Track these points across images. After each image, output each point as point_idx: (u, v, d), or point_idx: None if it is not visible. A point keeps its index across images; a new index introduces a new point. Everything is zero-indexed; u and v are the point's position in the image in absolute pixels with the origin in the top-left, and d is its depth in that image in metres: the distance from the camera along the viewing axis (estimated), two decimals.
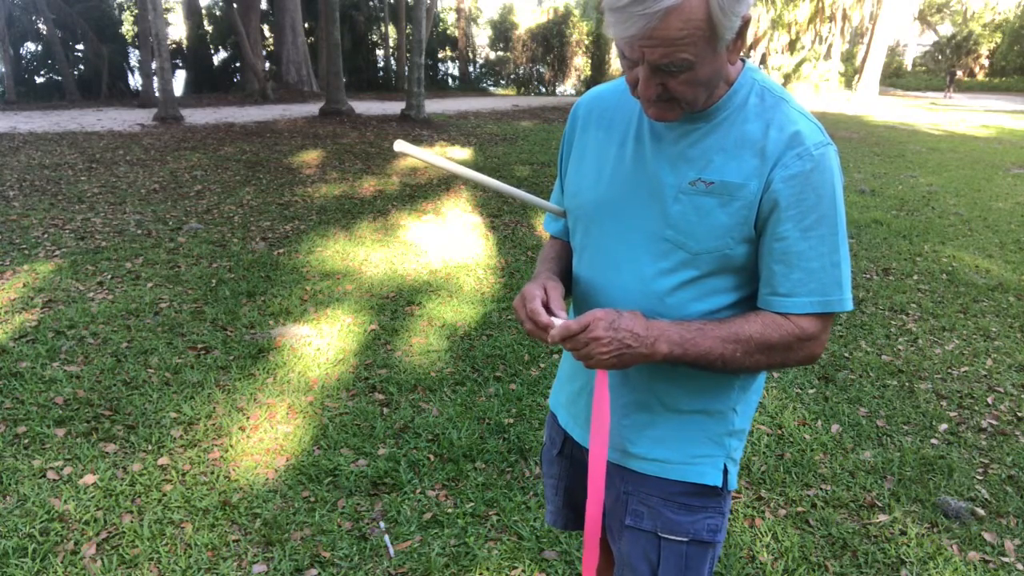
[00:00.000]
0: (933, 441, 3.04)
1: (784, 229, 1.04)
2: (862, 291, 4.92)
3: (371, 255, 5.45)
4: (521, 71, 29.95)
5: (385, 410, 3.16)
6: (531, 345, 3.85)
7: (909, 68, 45.68)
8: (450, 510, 2.48)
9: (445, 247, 5.73)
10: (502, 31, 29.91)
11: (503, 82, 30.81)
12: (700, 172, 1.06)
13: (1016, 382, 3.63)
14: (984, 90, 34.79)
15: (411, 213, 6.81)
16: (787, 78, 27.48)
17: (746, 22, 0.96)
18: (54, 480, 2.55)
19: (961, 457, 2.92)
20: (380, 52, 28.91)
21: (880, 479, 2.75)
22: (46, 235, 5.64)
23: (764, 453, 2.90)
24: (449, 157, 9.49)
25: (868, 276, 5.28)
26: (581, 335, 1.02)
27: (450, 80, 31.41)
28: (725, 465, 1.20)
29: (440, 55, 31.11)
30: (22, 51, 23.57)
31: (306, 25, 22.84)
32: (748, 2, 0.95)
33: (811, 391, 3.45)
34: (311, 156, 9.60)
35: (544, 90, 29.63)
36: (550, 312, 1.08)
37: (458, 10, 30.59)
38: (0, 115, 13.84)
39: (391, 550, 2.27)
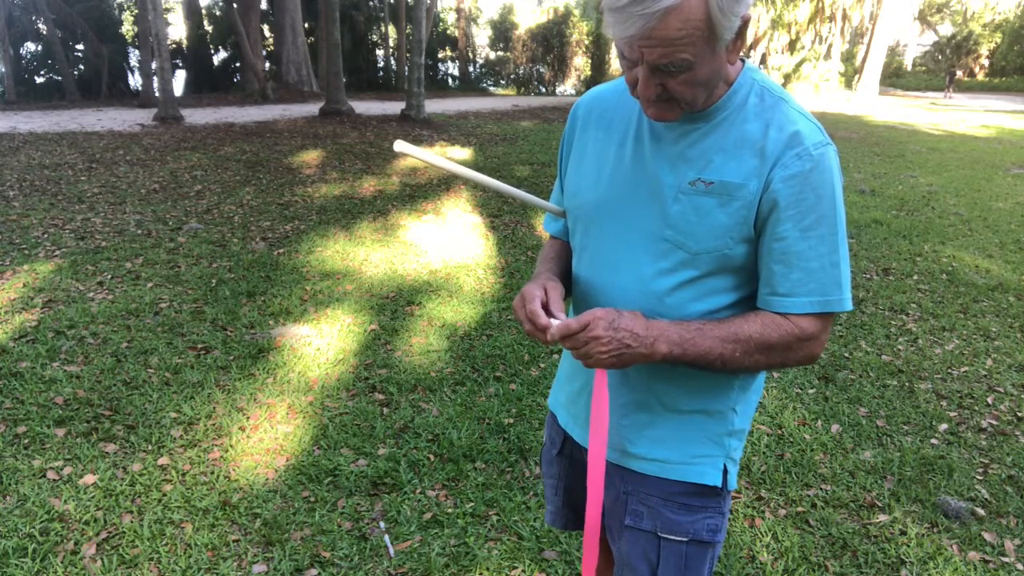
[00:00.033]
0: (933, 441, 3.04)
1: (783, 229, 1.04)
2: (862, 291, 4.92)
3: (371, 255, 5.45)
4: (521, 71, 29.95)
5: (385, 410, 3.16)
6: (531, 345, 3.85)
7: (909, 68, 45.68)
8: (450, 510, 2.48)
9: (445, 247, 5.73)
10: (502, 31, 29.91)
11: (503, 82, 30.82)
12: (700, 172, 1.06)
13: (1016, 382, 3.63)
14: (984, 90, 34.79)
15: (411, 213, 6.81)
16: (787, 78, 27.49)
17: (745, 22, 0.96)
18: (54, 480, 2.56)
19: (961, 457, 2.92)
20: (380, 52, 28.92)
21: (880, 479, 2.75)
22: (46, 235, 5.64)
23: (764, 453, 2.90)
24: (449, 157, 9.49)
25: (868, 276, 5.28)
26: (581, 334, 1.03)
27: (450, 80, 31.42)
28: (725, 465, 1.20)
29: (440, 55, 31.12)
30: (22, 51, 23.58)
31: (306, 25, 22.85)
32: (747, 2, 0.95)
33: (811, 391, 3.45)
34: (311, 156, 9.60)
35: (544, 90, 29.63)
36: (549, 313, 1.08)
37: (458, 10, 30.60)
38: (0, 115, 13.84)
39: (391, 550, 2.27)
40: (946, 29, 45.00)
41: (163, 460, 2.71)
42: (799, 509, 2.55)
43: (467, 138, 11.85)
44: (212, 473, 2.65)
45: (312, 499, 2.52)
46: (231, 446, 2.83)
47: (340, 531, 2.36)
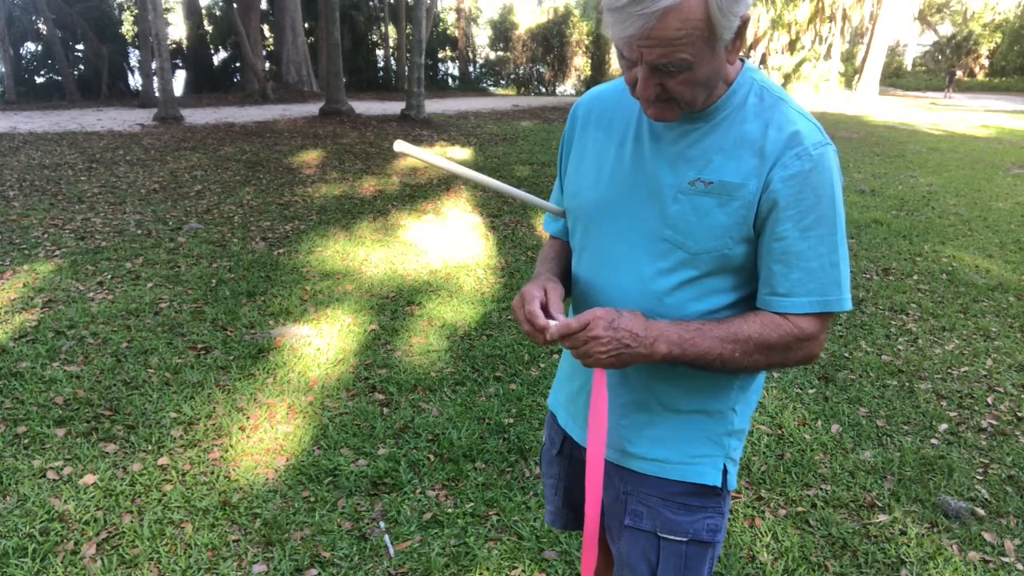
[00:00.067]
0: (933, 441, 3.04)
1: (783, 229, 1.04)
2: (862, 291, 4.92)
3: (371, 255, 5.45)
4: (521, 71, 29.95)
5: (385, 410, 3.16)
6: (531, 345, 3.85)
7: (909, 68, 45.68)
8: (450, 510, 2.48)
9: (445, 247, 5.73)
10: (502, 31, 29.91)
11: (503, 82, 30.81)
12: (699, 172, 1.06)
13: (1016, 382, 3.63)
14: (984, 90, 34.78)
15: (411, 213, 6.81)
16: (787, 78, 27.48)
17: (745, 22, 0.96)
18: (54, 480, 2.56)
19: (961, 457, 2.92)
20: (380, 52, 28.92)
21: (880, 479, 2.75)
22: (46, 235, 5.64)
23: (764, 453, 2.90)
24: (449, 157, 9.49)
25: (868, 276, 5.28)
26: (580, 333, 1.03)
27: (450, 80, 31.42)
28: (724, 465, 1.20)
29: (440, 55, 31.12)
30: (22, 51, 23.58)
31: (306, 25, 22.85)
32: (747, 2, 0.95)
33: (811, 391, 3.45)
34: (311, 156, 9.61)
35: (544, 90, 29.63)
36: (548, 314, 1.08)
37: (458, 10, 30.60)
38: (0, 115, 13.84)
39: (391, 550, 2.27)
40: (946, 29, 45.00)
41: (163, 460, 2.71)
42: (799, 509, 2.56)
43: (467, 138, 11.85)
44: (212, 473, 2.65)
45: (312, 499, 2.52)
46: (231, 446, 2.83)
47: (340, 531, 2.36)
